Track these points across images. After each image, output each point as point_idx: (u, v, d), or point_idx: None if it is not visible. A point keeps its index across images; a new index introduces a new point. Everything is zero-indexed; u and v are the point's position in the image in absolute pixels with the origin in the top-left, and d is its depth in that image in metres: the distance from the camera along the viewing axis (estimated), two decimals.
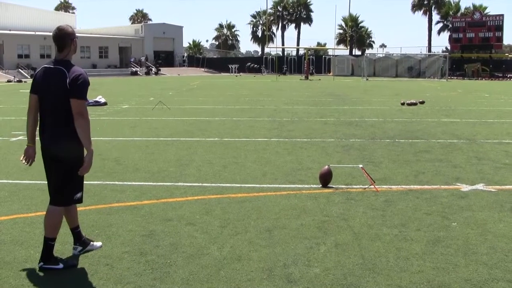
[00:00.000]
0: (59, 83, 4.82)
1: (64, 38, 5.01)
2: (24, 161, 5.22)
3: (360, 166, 8.84)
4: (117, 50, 79.71)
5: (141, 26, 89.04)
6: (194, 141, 12.82)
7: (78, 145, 4.92)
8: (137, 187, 8.07)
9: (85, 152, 4.92)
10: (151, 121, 17.17)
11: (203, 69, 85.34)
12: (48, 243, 4.94)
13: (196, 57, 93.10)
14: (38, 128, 5.06)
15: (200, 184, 8.28)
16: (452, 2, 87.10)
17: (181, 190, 7.88)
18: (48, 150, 4.96)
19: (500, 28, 68.89)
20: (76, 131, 4.82)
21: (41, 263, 4.92)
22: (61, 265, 4.93)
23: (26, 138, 5.17)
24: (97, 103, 22.60)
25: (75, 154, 4.96)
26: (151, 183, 8.31)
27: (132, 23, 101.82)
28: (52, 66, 4.98)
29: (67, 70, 4.87)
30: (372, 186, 7.99)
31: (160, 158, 10.51)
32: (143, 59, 78.48)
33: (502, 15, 69.62)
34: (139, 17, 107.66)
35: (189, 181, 8.47)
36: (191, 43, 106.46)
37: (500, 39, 69.56)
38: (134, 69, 73.94)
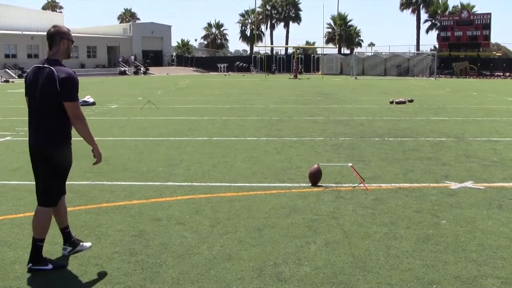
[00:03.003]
0: (47, 84, 4.79)
1: (53, 35, 5.04)
2: None
3: (350, 164, 8.85)
4: (105, 49, 79.39)
5: (130, 25, 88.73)
6: (183, 141, 12.79)
7: (66, 145, 5.00)
8: (127, 187, 8.04)
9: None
10: (140, 120, 17.12)
11: (192, 69, 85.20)
12: (37, 244, 4.88)
13: (185, 57, 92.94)
14: (28, 128, 5.03)
15: (190, 183, 8.26)
16: (440, 1, 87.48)
17: (170, 189, 7.86)
18: (36, 150, 4.94)
19: (487, 26, 69.23)
20: (64, 130, 4.92)
21: (30, 264, 4.86)
22: (50, 266, 4.88)
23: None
24: (86, 103, 22.51)
25: (63, 155, 4.98)
26: (140, 183, 8.29)
27: (120, 23, 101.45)
28: (41, 66, 4.93)
29: (56, 70, 4.82)
30: (362, 185, 8.01)
31: (149, 158, 10.48)
32: (131, 58, 78.22)
33: (490, 14, 69.96)
34: (127, 16, 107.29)
35: (179, 180, 8.45)
36: (180, 42, 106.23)
37: (487, 37, 69.90)
38: (122, 69, 73.67)
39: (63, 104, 4.81)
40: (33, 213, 5.06)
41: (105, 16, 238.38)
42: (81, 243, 5.39)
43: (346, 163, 9.39)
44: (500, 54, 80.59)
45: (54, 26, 5.13)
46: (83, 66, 72.35)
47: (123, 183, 8.29)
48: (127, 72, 72.84)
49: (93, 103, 22.83)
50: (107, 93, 32.09)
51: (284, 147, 11.81)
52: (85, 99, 23.00)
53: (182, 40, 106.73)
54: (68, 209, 6.61)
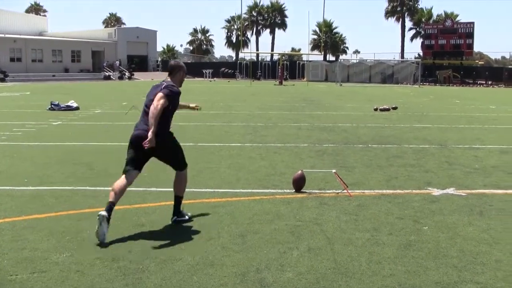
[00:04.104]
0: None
1: (175, 66, 6.83)
2: None
3: (333, 171, 8.88)
4: (90, 54, 79.06)
5: (115, 30, 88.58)
6: None
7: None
8: (110, 192, 8.00)
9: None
10: (124, 125, 17.02)
11: None
12: (180, 200, 6.58)
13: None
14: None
15: (172, 189, 8.24)
16: (424, 9, 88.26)
17: (154, 195, 7.86)
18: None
19: (470, 35, 69.89)
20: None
21: (175, 217, 6.49)
22: (187, 217, 6.59)
23: None
24: (69, 108, 22.42)
25: None
26: None
27: (105, 27, 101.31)
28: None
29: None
30: (345, 191, 8.04)
31: None
32: (116, 63, 77.93)
33: (473, 23, 70.67)
34: (113, 21, 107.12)
35: (162, 186, 8.43)
36: (165, 47, 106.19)
37: (470, 46, 70.54)
38: (107, 74, 73.35)
39: None
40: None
41: (90, 20, 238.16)
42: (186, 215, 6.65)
43: (330, 170, 9.42)
44: (483, 62, 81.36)
45: (175, 60, 7.16)
46: (67, 70, 72.05)
47: (106, 188, 8.23)
48: (111, 77, 72.53)
49: (77, 108, 22.71)
50: (91, 98, 31.92)
51: (269, 153, 11.83)
52: (69, 103, 22.91)
53: (168, 46, 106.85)
54: (50, 214, 6.61)
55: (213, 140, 13.80)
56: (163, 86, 6.40)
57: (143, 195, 7.86)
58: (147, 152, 6.44)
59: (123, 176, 6.54)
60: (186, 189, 8.15)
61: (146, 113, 6.38)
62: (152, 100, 6.24)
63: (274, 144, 13.26)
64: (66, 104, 22.75)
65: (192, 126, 16.21)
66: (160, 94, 6.22)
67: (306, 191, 8.13)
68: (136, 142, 6.50)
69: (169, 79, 6.67)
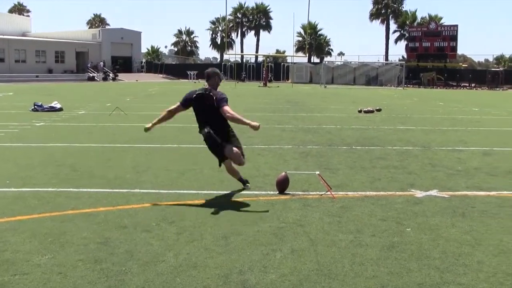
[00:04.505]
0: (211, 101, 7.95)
1: (211, 73, 8.23)
2: None
3: (317, 172, 8.88)
4: (74, 55, 78.69)
5: (99, 31, 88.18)
6: (151, 148, 12.75)
7: None
8: (93, 193, 7.97)
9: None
10: (107, 127, 17.01)
11: (161, 75, 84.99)
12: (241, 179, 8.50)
13: (154, 63, 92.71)
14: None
15: (157, 190, 8.22)
16: (409, 12, 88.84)
17: (137, 196, 7.82)
18: None
19: (454, 38, 70.57)
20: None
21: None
22: (248, 185, 8.50)
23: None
24: (53, 109, 22.28)
25: None
26: (107, 190, 8.21)
27: (89, 28, 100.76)
28: (205, 92, 8.02)
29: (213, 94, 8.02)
30: (329, 193, 8.05)
31: (116, 165, 10.42)
32: (100, 64, 77.59)
33: (457, 26, 71.40)
34: (97, 21, 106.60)
35: (146, 187, 8.40)
36: (150, 49, 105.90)
37: (454, 48, 71.27)
38: (91, 75, 73.02)
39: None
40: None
41: (74, 21, 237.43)
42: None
43: (314, 171, 9.43)
44: (466, 65, 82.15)
45: (212, 68, 8.46)
46: (50, 71, 71.63)
47: (89, 190, 8.22)
48: (95, 78, 72.24)
49: (60, 109, 22.58)
50: (75, 99, 31.75)
51: (253, 154, 11.80)
52: (52, 104, 22.77)
53: (152, 47, 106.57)
54: (33, 216, 6.56)
55: (197, 142, 13.70)
56: (219, 97, 7.94)
57: (127, 196, 7.82)
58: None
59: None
60: (170, 191, 8.17)
61: (206, 121, 8.08)
62: (215, 110, 7.92)
63: (258, 145, 13.25)
64: (50, 105, 22.62)
65: (176, 128, 16.14)
66: (226, 107, 7.86)
67: (290, 192, 8.13)
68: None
69: (207, 85, 8.21)
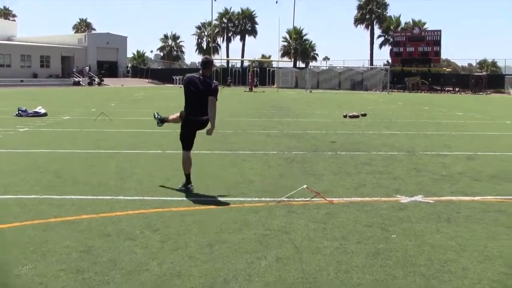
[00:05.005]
0: (208, 87, 8.59)
1: (210, 62, 9.07)
2: None
3: (304, 186, 8.75)
4: (59, 59, 78.20)
5: (85, 35, 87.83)
6: (136, 154, 12.66)
7: None
8: (76, 201, 7.88)
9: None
10: (92, 132, 16.89)
11: (147, 80, 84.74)
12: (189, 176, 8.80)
13: (140, 68, 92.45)
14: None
15: (141, 197, 8.15)
16: (393, 17, 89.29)
17: (121, 204, 7.74)
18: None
19: (438, 43, 71.08)
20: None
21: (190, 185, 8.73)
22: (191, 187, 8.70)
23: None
24: (37, 114, 22.11)
25: None
26: (90, 197, 8.13)
27: (75, 32, 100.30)
28: (201, 78, 8.64)
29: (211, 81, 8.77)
30: (321, 198, 8.03)
31: (100, 171, 10.33)
32: (86, 69, 77.23)
33: (440, 31, 71.90)
34: (83, 26, 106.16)
35: (130, 194, 8.33)
36: (136, 53, 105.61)
37: (438, 53, 71.75)
38: (76, 79, 72.65)
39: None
40: None
41: (60, 25, 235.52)
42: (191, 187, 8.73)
43: (300, 182, 9.41)
44: (450, 69, 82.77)
45: (208, 57, 9.30)
46: (35, 75, 71.16)
47: (72, 197, 8.13)
48: (81, 82, 71.89)
49: (45, 114, 22.41)
50: (60, 104, 31.56)
51: (238, 160, 11.79)
52: (37, 109, 22.60)
53: (138, 52, 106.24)
54: (15, 224, 6.48)
55: (181, 148, 13.67)
56: (215, 87, 8.70)
57: (110, 203, 7.75)
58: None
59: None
60: (154, 198, 8.12)
61: (200, 101, 8.59)
62: (208, 94, 8.53)
63: (243, 151, 13.22)
64: (34, 110, 22.45)
65: (160, 134, 16.06)
66: (215, 98, 8.63)
67: (276, 199, 8.10)
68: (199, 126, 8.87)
69: (202, 73, 8.75)
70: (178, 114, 9.10)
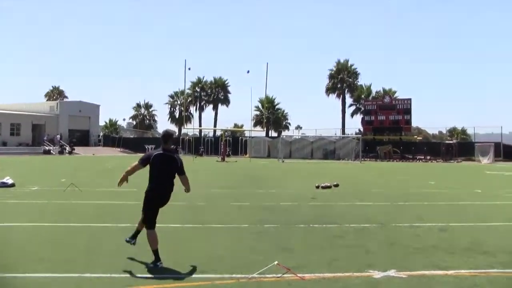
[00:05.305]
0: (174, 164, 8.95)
1: (172, 135, 9.34)
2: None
3: (275, 263, 8.57)
4: (30, 127, 77.91)
5: (57, 103, 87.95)
6: (105, 227, 12.43)
7: None
8: (41, 279, 7.63)
9: None
10: (61, 204, 16.59)
11: (119, 149, 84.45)
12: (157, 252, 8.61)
13: (112, 137, 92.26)
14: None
15: (110, 275, 7.94)
16: (364, 86, 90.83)
17: (88, 282, 7.51)
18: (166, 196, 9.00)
19: (408, 111, 72.36)
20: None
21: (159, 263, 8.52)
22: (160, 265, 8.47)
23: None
24: (4, 185, 21.71)
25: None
26: (56, 275, 7.89)
27: (47, 100, 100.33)
28: (167, 153, 8.93)
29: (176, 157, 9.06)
30: (292, 274, 7.90)
31: (68, 246, 10.08)
32: (57, 137, 76.86)
33: (410, 99, 73.31)
34: (55, 94, 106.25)
35: (98, 271, 8.11)
36: (108, 122, 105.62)
37: (409, 121, 72.93)
38: (47, 148, 72.19)
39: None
40: None
41: (32, 93, 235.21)
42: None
43: (272, 257, 9.27)
44: (421, 138, 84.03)
45: (168, 130, 9.52)
46: (5, 144, 70.65)
47: (37, 275, 7.87)
48: (51, 151, 71.40)
49: (12, 185, 22.03)
50: (29, 173, 31.18)
51: (209, 234, 11.63)
52: (4, 180, 22.20)
53: (110, 120, 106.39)
54: None
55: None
56: (181, 164, 9.05)
57: (78, 281, 7.53)
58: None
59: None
60: (123, 275, 7.91)
61: (164, 177, 8.86)
62: (174, 171, 8.92)
63: (214, 224, 13.06)
64: (1, 181, 22.06)
65: (129, 205, 15.85)
66: (185, 176, 9.14)
67: (246, 276, 7.93)
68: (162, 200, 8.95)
69: (163, 147, 9.04)
70: (134, 165, 8.99)
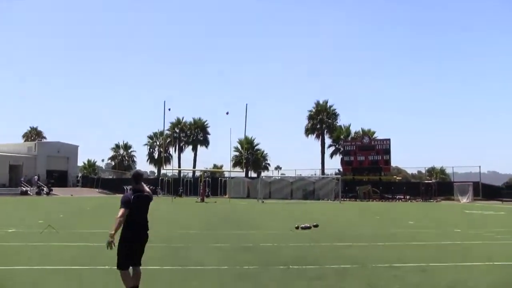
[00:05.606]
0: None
1: (143, 175, 9.47)
2: None
3: None
4: (7, 168, 77.19)
5: (35, 144, 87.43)
6: (84, 270, 12.22)
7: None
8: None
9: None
10: (38, 246, 16.33)
11: (97, 190, 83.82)
12: None
13: (90, 177, 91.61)
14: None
15: None
16: (343, 127, 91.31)
17: None
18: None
19: (387, 151, 72.82)
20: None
21: None
22: None
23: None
24: None
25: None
26: None
27: (25, 141, 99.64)
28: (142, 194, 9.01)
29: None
30: None
31: None
32: (35, 178, 76.15)
33: (389, 140, 73.83)
34: (33, 134, 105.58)
35: None
36: (86, 162, 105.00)
37: (388, 162, 73.30)
38: (24, 189, 71.42)
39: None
40: None
41: (10, 133, 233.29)
42: None
43: None
44: (400, 177, 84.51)
45: (139, 171, 9.78)
46: None
47: None
48: (29, 192, 70.65)
49: None
50: (5, 215, 30.74)
51: (186, 277, 11.49)
52: None
53: (89, 161, 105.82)
54: None
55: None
56: (151, 194, 9.29)
57: None
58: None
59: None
60: None
61: (140, 217, 9.04)
62: (148, 205, 9.19)
63: (194, 266, 12.91)
64: None
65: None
66: None
67: None
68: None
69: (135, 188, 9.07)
70: (121, 214, 8.75)
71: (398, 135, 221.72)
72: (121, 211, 8.69)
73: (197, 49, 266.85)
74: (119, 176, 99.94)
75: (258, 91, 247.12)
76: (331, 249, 16.65)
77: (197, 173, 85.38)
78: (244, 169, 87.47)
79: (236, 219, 30.35)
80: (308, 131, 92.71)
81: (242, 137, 79.06)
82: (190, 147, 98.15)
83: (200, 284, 10.69)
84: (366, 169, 74.59)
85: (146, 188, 9.23)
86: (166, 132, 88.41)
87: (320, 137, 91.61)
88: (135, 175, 9.30)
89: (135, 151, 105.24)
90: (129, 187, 78.06)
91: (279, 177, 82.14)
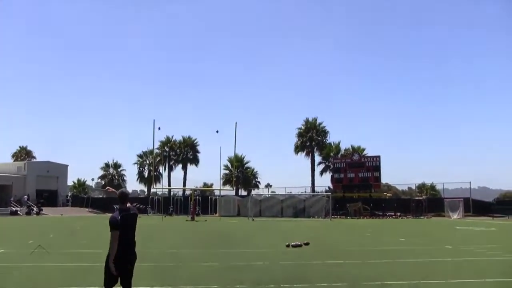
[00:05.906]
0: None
1: (128, 195, 9.40)
2: None
3: None
4: None
5: (24, 163, 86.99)
6: None
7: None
8: None
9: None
10: (28, 267, 16.22)
11: (87, 209, 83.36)
12: None
13: (80, 197, 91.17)
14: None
15: None
16: (332, 144, 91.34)
17: None
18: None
19: (377, 168, 73.00)
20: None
21: None
22: None
23: None
24: None
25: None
26: None
27: (15, 160, 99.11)
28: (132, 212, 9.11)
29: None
30: None
31: None
32: (24, 198, 75.70)
33: (379, 156, 74.06)
34: (23, 154, 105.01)
35: None
36: (76, 182, 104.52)
37: (378, 179, 73.46)
38: (13, 209, 70.95)
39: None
40: None
41: None
42: None
43: None
44: (391, 194, 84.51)
45: (124, 191, 9.38)
46: None
47: None
48: (18, 212, 70.17)
49: None
50: None
51: None
52: None
53: (79, 180, 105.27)
54: None
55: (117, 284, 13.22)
56: (136, 211, 9.36)
57: None
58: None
59: None
60: None
61: (133, 236, 9.17)
62: (135, 224, 9.19)
63: (184, 286, 12.87)
64: None
65: (100, 267, 15.56)
66: None
67: None
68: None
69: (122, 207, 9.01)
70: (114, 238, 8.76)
71: (388, 151, 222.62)
72: (113, 235, 8.66)
73: (186, 67, 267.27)
74: (109, 195, 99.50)
75: (247, 109, 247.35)
76: (323, 267, 16.63)
77: (187, 192, 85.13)
78: (234, 187, 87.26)
79: (226, 237, 30.27)
80: (298, 148, 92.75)
81: (232, 155, 79.01)
82: (180, 165, 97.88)
83: None
84: (356, 186, 74.72)
85: (130, 205, 9.23)
86: (156, 150, 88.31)
87: (310, 154, 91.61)
88: (120, 195, 9.25)
89: (125, 169, 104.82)
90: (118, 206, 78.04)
91: (269, 195, 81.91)
